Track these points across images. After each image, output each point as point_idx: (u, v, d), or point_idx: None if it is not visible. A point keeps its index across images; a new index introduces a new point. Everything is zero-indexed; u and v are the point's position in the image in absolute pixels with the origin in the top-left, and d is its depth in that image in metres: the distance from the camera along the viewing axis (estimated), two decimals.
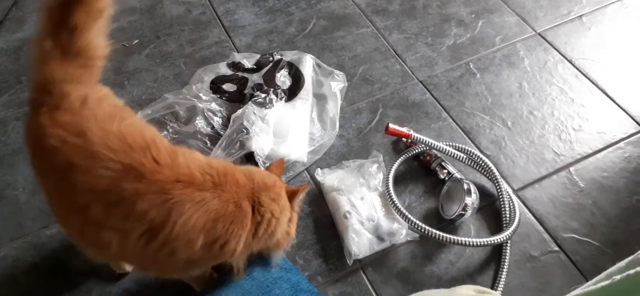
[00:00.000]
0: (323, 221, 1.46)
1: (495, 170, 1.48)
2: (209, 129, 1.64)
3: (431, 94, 1.79)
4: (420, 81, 1.83)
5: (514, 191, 1.52)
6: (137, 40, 2.01)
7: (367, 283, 1.34)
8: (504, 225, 1.41)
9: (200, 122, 1.64)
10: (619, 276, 0.70)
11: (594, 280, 0.79)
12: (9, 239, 1.45)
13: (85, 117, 1.02)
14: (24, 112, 1.75)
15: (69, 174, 0.98)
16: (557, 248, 1.39)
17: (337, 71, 1.80)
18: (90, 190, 0.98)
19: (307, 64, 1.79)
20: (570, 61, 1.87)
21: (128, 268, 1.37)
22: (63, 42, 1.06)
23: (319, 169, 1.56)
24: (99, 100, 1.08)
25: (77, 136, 1.00)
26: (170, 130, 1.65)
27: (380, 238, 1.38)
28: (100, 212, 0.98)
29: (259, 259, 1.34)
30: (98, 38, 1.12)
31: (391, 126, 1.55)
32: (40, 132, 1.01)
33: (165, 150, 1.03)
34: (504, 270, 1.33)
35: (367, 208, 1.43)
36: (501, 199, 1.44)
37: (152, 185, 0.98)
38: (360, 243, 1.36)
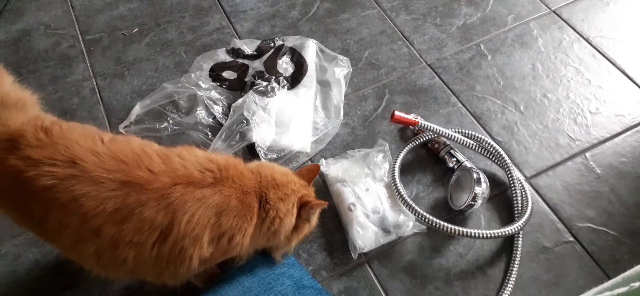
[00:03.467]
0: (327, 214, 1.42)
1: (506, 157, 1.42)
2: (210, 119, 1.60)
3: (440, 78, 1.72)
4: (429, 65, 1.76)
5: (527, 178, 1.46)
6: (137, 29, 1.97)
7: (373, 277, 1.31)
8: (516, 215, 1.36)
9: (201, 113, 1.60)
10: (637, 284, 0.64)
11: (610, 283, 0.73)
12: (11, 236, 1.44)
13: (65, 146, 0.99)
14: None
15: (75, 205, 0.96)
16: (572, 239, 1.34)
17: (341, 56, 1.74)
18: (100, 214, 0.96)
19: (310, 50, 1.73)
20: (587, 40, 1.79)
21: None
22: None
23: (323, 159, 1.51)
24: (55, 122, 1.07)
25: (69, 167, 0.97)
26: (171, 121, 1.61)
27: (386, 231, 1.34)
28: (113, 232, 0.97)
29: (261, 254, 1.30)
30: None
31: (397, 113, 1.49)
32: (21, 180, 0.97)
33: (157, 156, 1.03)
34: (516, 262, 1.29)
35: (372, 200, 1.38)
36: (513, 188, 1.38)
37: (153, 194, 0.98)
38: (365, 236, 1.32)
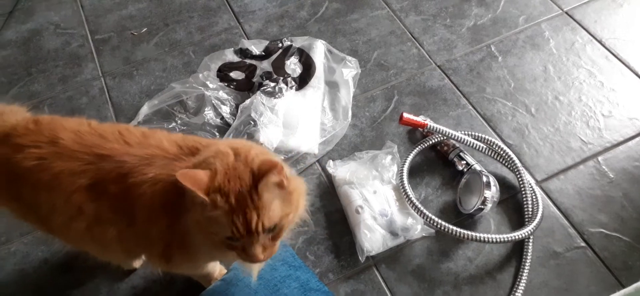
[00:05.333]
0: (335, 216, 1.41)
1: (517, 161, 1.40)
2: (218, 120, 1.59)
3: (450, 79, 1.70)
4: (438, 66, 1.74)
5: (537, 182, 1.44)
6: (145, 29, 1.97)
7: (381, 280, 1.29)
8: (526, 220, 1.34)
9: (209, 113, 1.60)
10: None
11: (623, 292, 0.71)
12: (20, 234, 1.45)
13: (50, 129, 1.01)
14: (34, 105, 1.73)
15: (55, 182, 0.96)
16: (583, 244, 1.31)
17: (349, 57, 1.72)
18: (78, 190, 0.96)
19: (318, 50, 1.72)
20: (600, 41, 1.76)
21: (136, 264, 1.35)
22: None
23: (330, 161, 1.50)
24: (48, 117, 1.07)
25: (51, 146, 0.98)
26: (179, 121, 1.61)
27: (394, 234, 1.33)
28: (93, 208, 0.97)
29: None
30: None
31: (405, 115, 1.47)
32: (11, 167, 0.99)
33: (140, 132, 1.01)
34: (526, 267, 1.28)
35: (380, 202, 1.36)
36: (523, 192, 1.36)
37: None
38: (372, 239, 1.31)
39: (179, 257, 1.04)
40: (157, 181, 0.94)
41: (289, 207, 0.92)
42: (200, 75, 1.67)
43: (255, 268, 1.07)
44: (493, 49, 1.77)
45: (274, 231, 0.91)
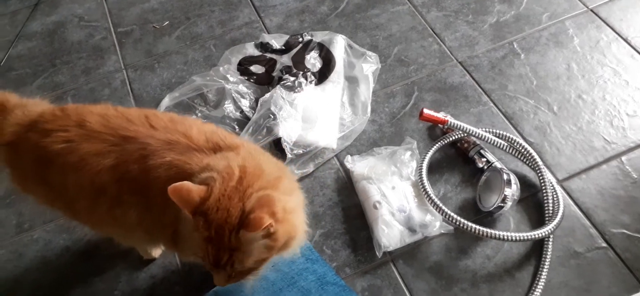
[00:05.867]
0: (352, 211, 1.41)
1: (538, 159, 1.38)
2: (237, 113, 1.60)
3: (471, 76, 1.68)
4: (460, 62, 1.73)
5: (559, 181, 1.42)
6: (167, 22, 1.99)
7: (398, 276, 1.29)
8: (547, 219, 1.33)
9: (229, 107, 1.60)
10: None
11: None
12: (43, 222, 1.47)
13: (77, 113, 1.03)
14: (57, 96, 1.76)
15: (82, 164, 0.98)
16: (604, 244, 1.29)
17: (369, 52, 1.71)
18: (102, 171, 0.98)
19: (339, 45, 1.72)
20: (625, 40, 1.73)
21: (155, 254, 1.36)
22: None
23: (348, 156, 1.50)
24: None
25: (78, 128, 1.00)
26: (200, 114, 1.62)
27: (412, 230, 1.32)
28: (115, 190, 0.99)
29: None
30: None
31: (426, 111, 1.46)
32: (39, 151, 1.01)
33: (167, 117, 1.03)
34: (545, 267, 1.26)
35: (399, 198, 1.36)
36: (544, 191, 1.34)
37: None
38: (390, 234, 1.30)
39: (183, 243, 1.05)
40: (173, 166, 0.96)
41: (270, 252, 0.91)
42: (221, 68, 1.68)
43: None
44: (515, 46, 1.75)
45: (244, 271, 0.93)
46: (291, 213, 0.92)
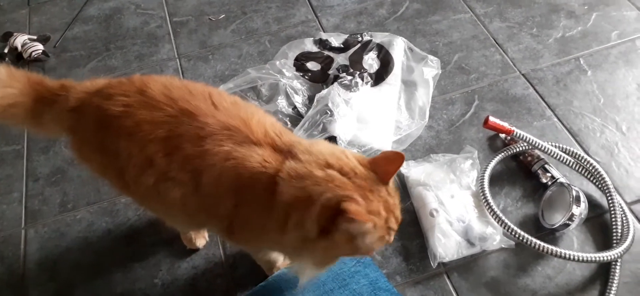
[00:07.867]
0: (405, 217, 1.32)
1: (608, 179, 1.31)
2: (290, 109, 1.57)
3: (535, 89, 1.62)
4: (523, 74, 1.66)
5: (627, 204, 1.34)
6: (223, 16, 1.98)
7: (452, 289, 1.23)
8: (614, 242, 1.25)
9: (281, 102, 1.58)
10: None
11: None
12: (86, 203, 1.47)
13: (141, 81, 1.02)
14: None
15: (136, 130, 0.97)
16: None
17: (431, 56, 1.67)
18: (153, 141, 0.96)
19: (398, 47, 1.68)
20: None
21: (199, 244, 1.34)
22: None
23: None
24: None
25: (138, 94, 0.99)
26: None
27: (470, 242, 1.26)
28: (164, 164, 0.96)
29: None
30: None
31: (492, 119, 1.40)
32: (99, 114, 1.01)
33: (230, 98, 1.01)
34: (612, 292, 1.19)
35: (458, 208, 1.30)
36: (613, 213, 1.27)
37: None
38: (447, 244, 1.25)
39: (240, 236, 1.04)
40: (230, 158, 0.93)
41: None
42: (277, 62, 1.66)
43: (307, 274, 1.08)
44: (582, 62, 1.68)
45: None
46: None
